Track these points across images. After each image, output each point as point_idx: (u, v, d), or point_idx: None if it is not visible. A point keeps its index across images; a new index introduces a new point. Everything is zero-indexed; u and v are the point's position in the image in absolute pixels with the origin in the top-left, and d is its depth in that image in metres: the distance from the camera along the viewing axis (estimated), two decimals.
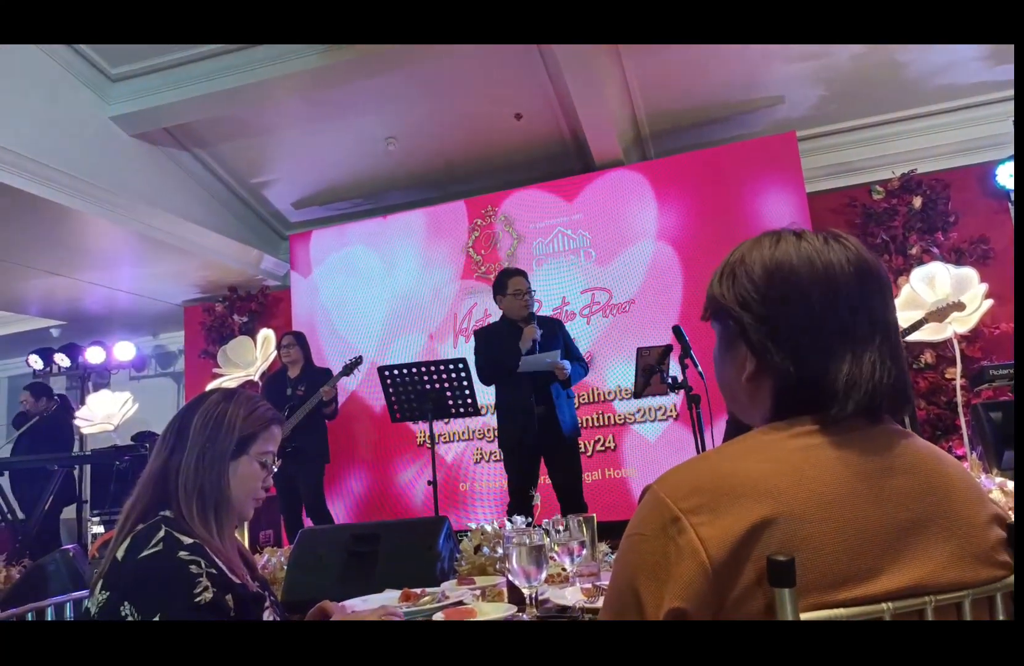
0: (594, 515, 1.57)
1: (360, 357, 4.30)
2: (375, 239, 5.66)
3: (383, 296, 5.54)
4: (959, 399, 4.22)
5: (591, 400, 4.88)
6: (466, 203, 5.50)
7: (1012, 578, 0.73)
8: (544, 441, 3.41)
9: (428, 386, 3.48)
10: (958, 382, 4.24)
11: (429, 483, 3.43)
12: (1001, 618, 0.73)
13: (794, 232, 0.82)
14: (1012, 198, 4.54)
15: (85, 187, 4.54)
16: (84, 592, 1.35)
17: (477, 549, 2.29)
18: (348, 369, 4.23)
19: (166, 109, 4.84)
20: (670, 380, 2.88)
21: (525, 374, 3.40)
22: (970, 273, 4.25)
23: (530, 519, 2.19)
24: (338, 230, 5.86)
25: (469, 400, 3.49)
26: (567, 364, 3.44)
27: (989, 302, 4.14)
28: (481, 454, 5.05)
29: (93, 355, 6.67)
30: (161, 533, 1.16)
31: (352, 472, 5.33)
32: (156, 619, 1.06)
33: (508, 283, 3.59)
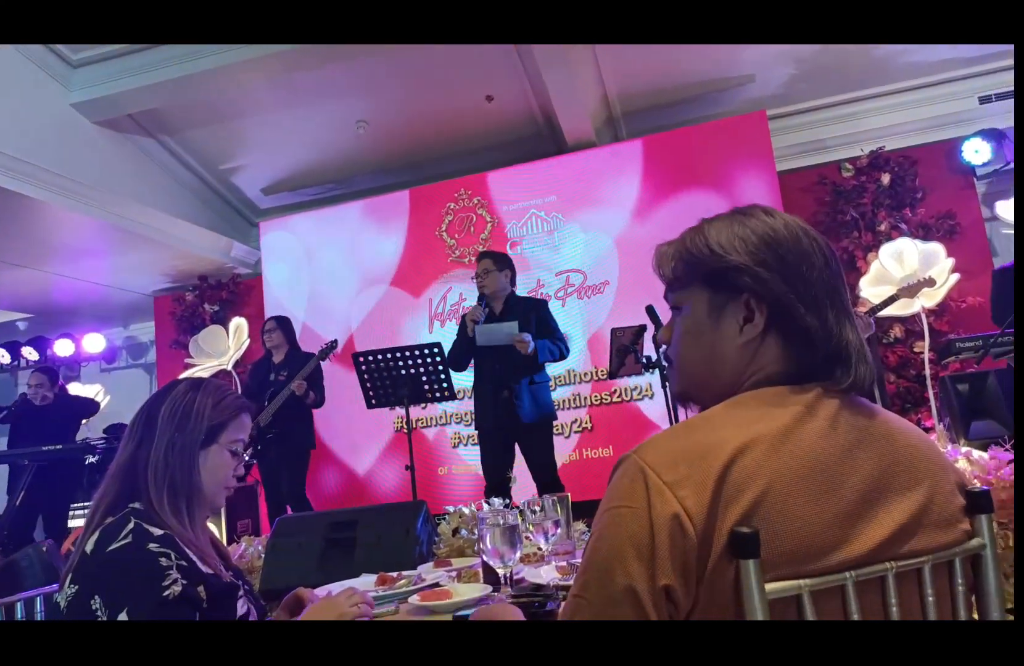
0: (568, 495, 1.58)
1: (335, 341, 4.25)
2: (336, 226, 5.60)
3: (348, 282, 5.51)
4: (927, 372, 4.29)
5: (568, 382, 4.89)
6: (435, 187, 5.46)
7: (971, 542, 0.75)
8: (512, 424, 3.41)
9: (403, 371, 3.45)
10: (926, 355, 4.31)
11: (407, 468, 3.42)
12: (959, 582, 0.74)
13: (758, 208, 0.84)
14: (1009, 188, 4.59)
15: (48, 176, 4.43)
16: (54, 586, 1.34)
17: (455, 532, 2.31)
18: (323, 354, 4.18)
19: (129, 95, 4.74)
20: (644, 360, 2.91)
21: (492, 358, 3.39)
22: (937, 248, 4.31)
23: (508, 501, 2.20)
24: (303, 217, 5.80)
25: (445, 385, 3.47)
26: (528, 337, 3.32)
27: (956, 276, 4.20)
28: (459, 438, 5.06)
29: (62, 348, 6.56)
30: (131, 525, 1.14)
31: (330, 459, 5.32)
32: (125, 612, 1.05)
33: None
